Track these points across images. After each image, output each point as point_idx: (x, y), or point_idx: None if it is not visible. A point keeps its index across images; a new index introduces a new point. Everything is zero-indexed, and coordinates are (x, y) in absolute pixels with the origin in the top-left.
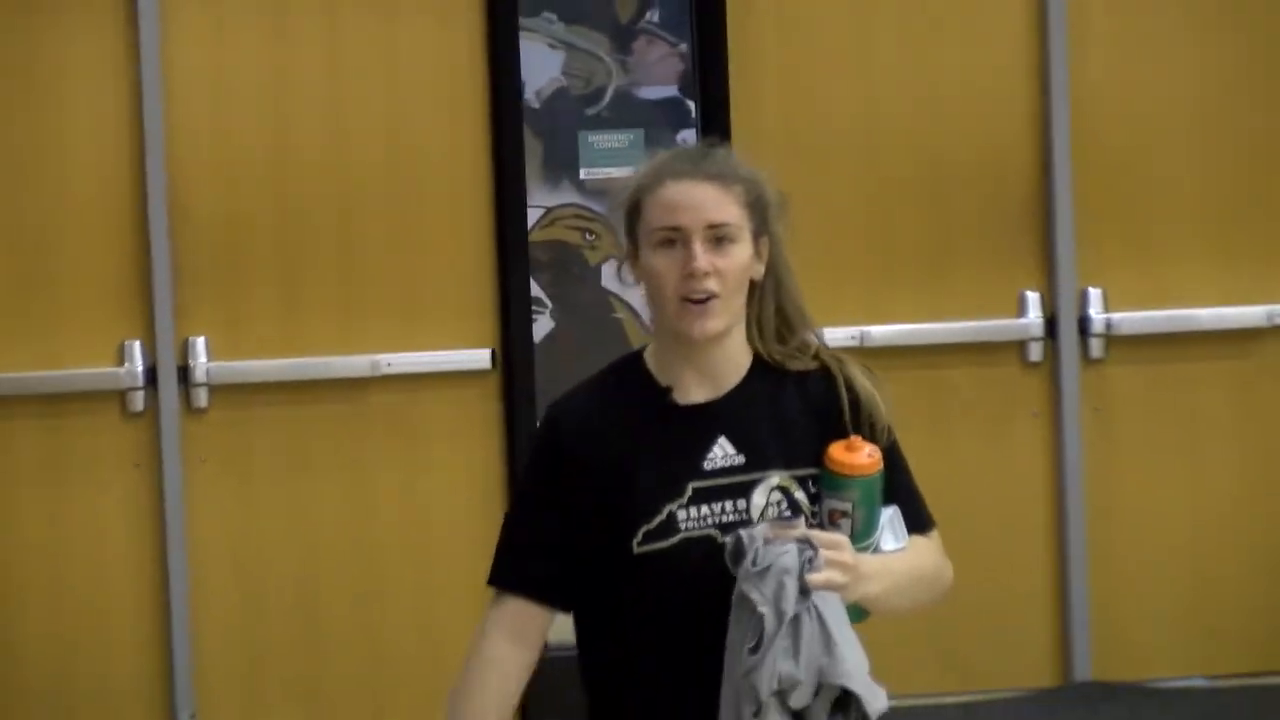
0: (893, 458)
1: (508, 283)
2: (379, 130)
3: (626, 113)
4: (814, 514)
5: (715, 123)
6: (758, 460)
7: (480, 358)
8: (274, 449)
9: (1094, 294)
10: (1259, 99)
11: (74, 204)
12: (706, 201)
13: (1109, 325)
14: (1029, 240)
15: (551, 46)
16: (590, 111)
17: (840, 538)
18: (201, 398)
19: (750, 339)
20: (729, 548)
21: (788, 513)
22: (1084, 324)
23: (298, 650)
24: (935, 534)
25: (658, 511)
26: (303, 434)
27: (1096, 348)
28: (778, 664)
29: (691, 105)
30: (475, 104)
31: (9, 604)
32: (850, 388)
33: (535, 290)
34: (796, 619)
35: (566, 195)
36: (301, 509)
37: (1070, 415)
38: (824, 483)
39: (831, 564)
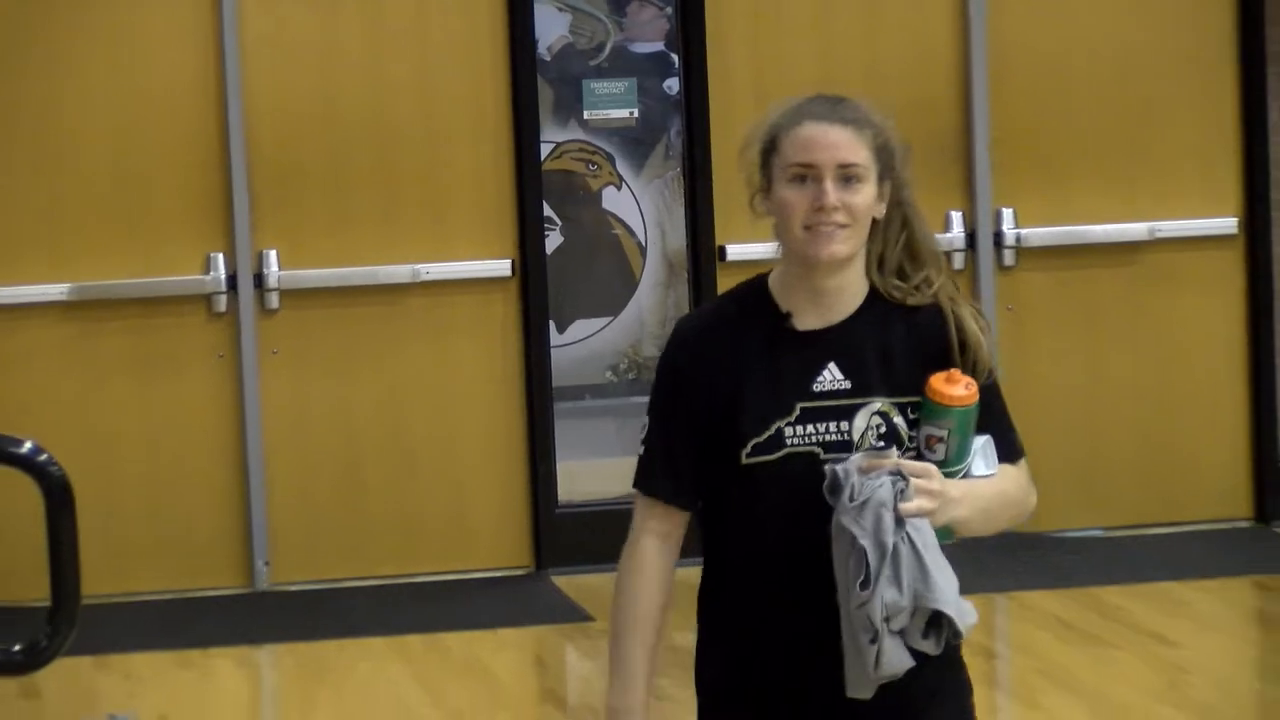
0: (990, 395)
1: (524, 204)
2: (416, 81)
3: (622, 64)
4: (911, 439)
5: (695, 72)
6: (862, 386)
7: (502, 267)
8: (331, 343)
9: (1007, 213)
10: (1149, 50)
11: (168, 143)
12: (840, 143)
13: (1019, 239)
14: (953, 169)
15: (560, 9)
16: (592, 63)
17: (929, 466)
18: (273, 300)
19: (869, 273)
20: (826, 481)
21: (883, 440)
22: (998, 238)
23: (348, 510)
24: (1024, 463)
25: (767, 427)
26: (354, 330)
27: (1009, 257)
28: (885, 594)
29: (675, 58)
30: (496, 57)
31: (113, 472)
32: (960, 328)
33: (547, 211)
34: (895, 549)
35: (573, 132)
36: (352, 393)
37: (988, 313)
38: (923, 410)
39: (921, 492)
